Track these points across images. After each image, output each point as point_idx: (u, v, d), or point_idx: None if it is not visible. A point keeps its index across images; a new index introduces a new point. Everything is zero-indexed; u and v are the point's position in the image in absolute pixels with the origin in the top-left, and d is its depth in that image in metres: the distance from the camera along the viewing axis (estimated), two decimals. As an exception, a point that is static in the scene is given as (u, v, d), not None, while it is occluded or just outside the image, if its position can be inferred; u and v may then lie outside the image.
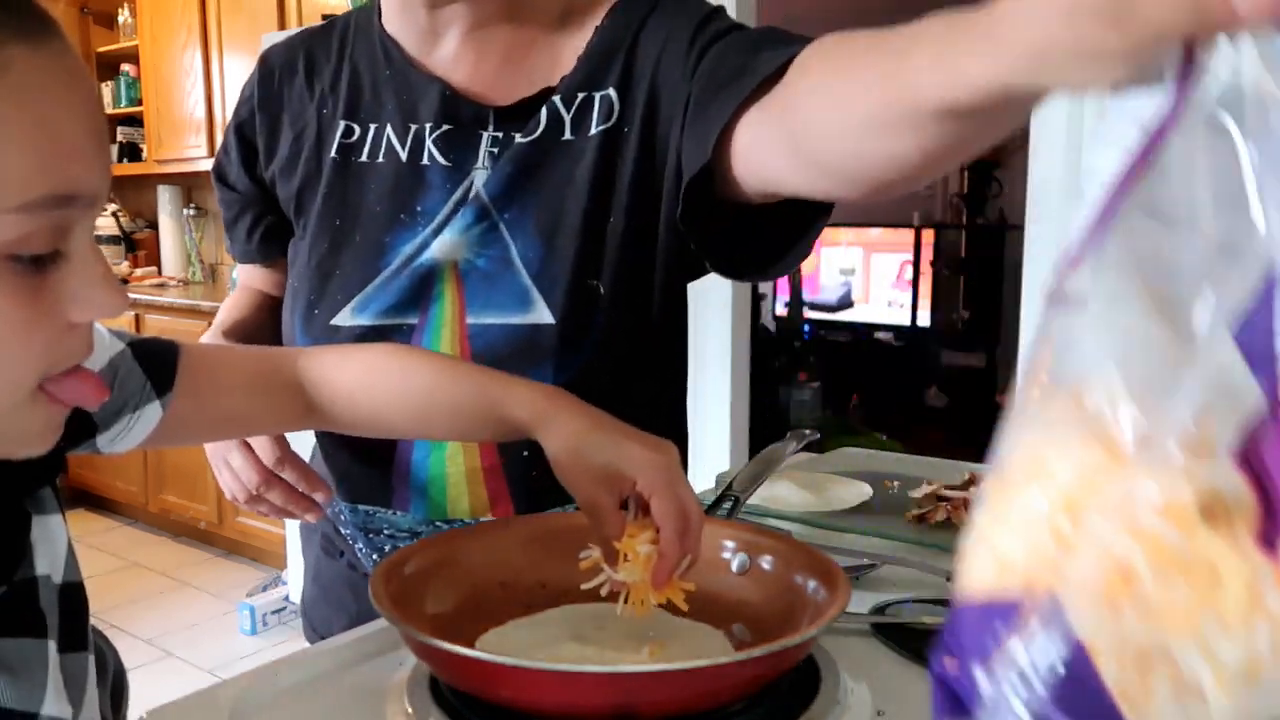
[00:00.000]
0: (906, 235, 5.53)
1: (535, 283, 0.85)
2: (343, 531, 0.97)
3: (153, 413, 0.69)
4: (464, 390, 0.73)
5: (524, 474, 0.85)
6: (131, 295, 3.85)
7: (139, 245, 4.72)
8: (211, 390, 0.73)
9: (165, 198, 4.53)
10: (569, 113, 0.87)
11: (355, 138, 0.92)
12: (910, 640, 0.70)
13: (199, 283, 4.40)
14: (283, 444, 0.86)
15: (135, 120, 4.47)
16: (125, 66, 4.48)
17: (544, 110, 0.87)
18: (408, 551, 0.71)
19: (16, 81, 0.44)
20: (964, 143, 0.56)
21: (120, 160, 4.56)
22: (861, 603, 0.76)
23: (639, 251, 0.87)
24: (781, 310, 5.43)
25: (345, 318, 0.88)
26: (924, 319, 5.72)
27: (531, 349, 0.84)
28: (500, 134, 0.88)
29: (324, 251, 0.91)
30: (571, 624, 0.70)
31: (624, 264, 0.87)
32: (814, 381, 3.96)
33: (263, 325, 1.01)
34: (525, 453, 0.83)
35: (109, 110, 4.57)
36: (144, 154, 4.41)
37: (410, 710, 0.60)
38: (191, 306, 3.65)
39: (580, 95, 0.87)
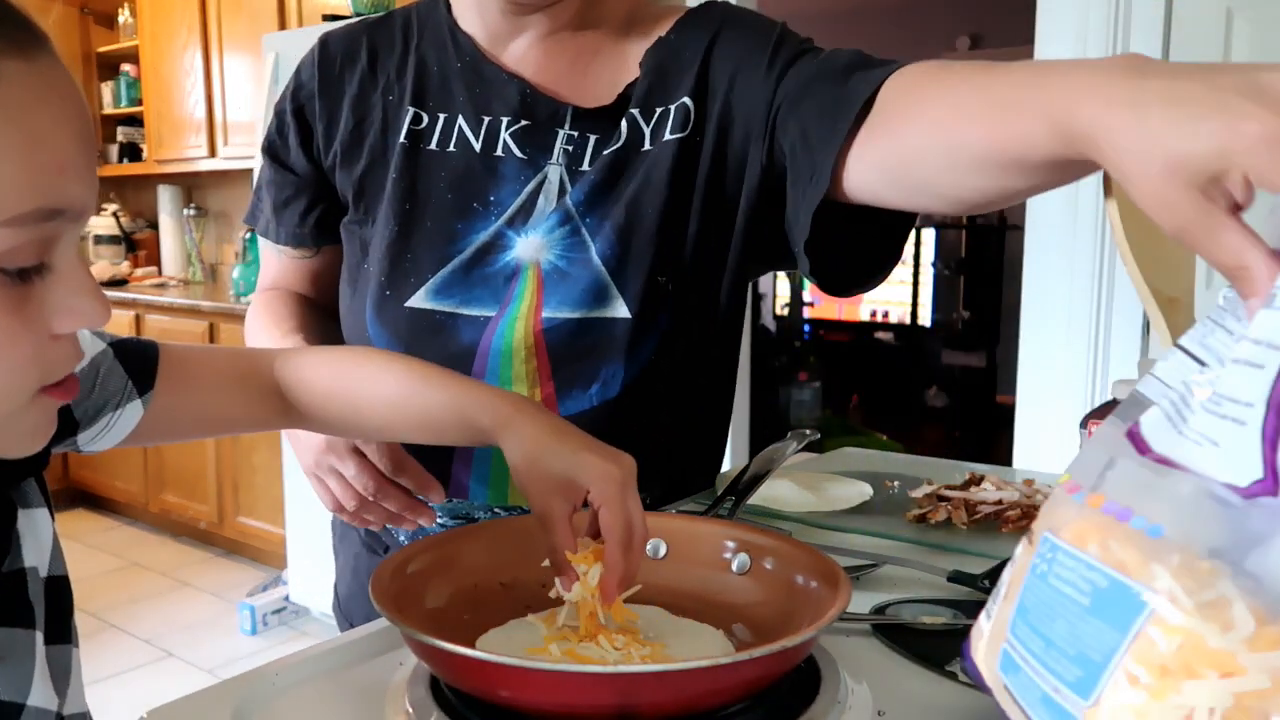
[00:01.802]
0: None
1: (613, 279, 0.90)
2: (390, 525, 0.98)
3: (134, 411, 0.69)
4: (433, 396, 0.74)
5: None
6: (131, 295, 3.86)
7: (139, 245, 4.72)
8: (191, 389, 0.73)
9: (165, 198, 4.53)
10: (648, 125, 0.92)
11: (424, 125, 0.95)
12: (910, 640, 0.70)
13: (199, 283, 4.40)
14: (396, 450, 0.84)
15: (135, 120, 4.48)
16: (125, 66, 4.48)
17: (624, 122, 0.92)
18: (408, 551, 0.71)
19: (7, 95, 0.44)
20: (1069, 176, 0.64)
21: (120, 160, 4.56)
22: (861, 603, 0.76)
23: (708, 253, 0.93)
24: (781, 310, 5.43)
25: (420, 300, 0.91)
26: (924, 319, 5.72)
27: (605, 342, 0.89)
28: (575, 133, 0.92)
29: (394, 235, 0.92)
30: (572, 624, 0.69)
31: (693, 265, 0.92)
32: (814, 381, 3.97)
33: (324, 329, 1.01)
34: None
35: (109, 110, 4.58)
36: (144, 154, 4.41)
37: (410, 710, 0.60)
38: (191, 306, 3.65)
39: (658, 109, 0.92)
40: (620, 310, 0.89)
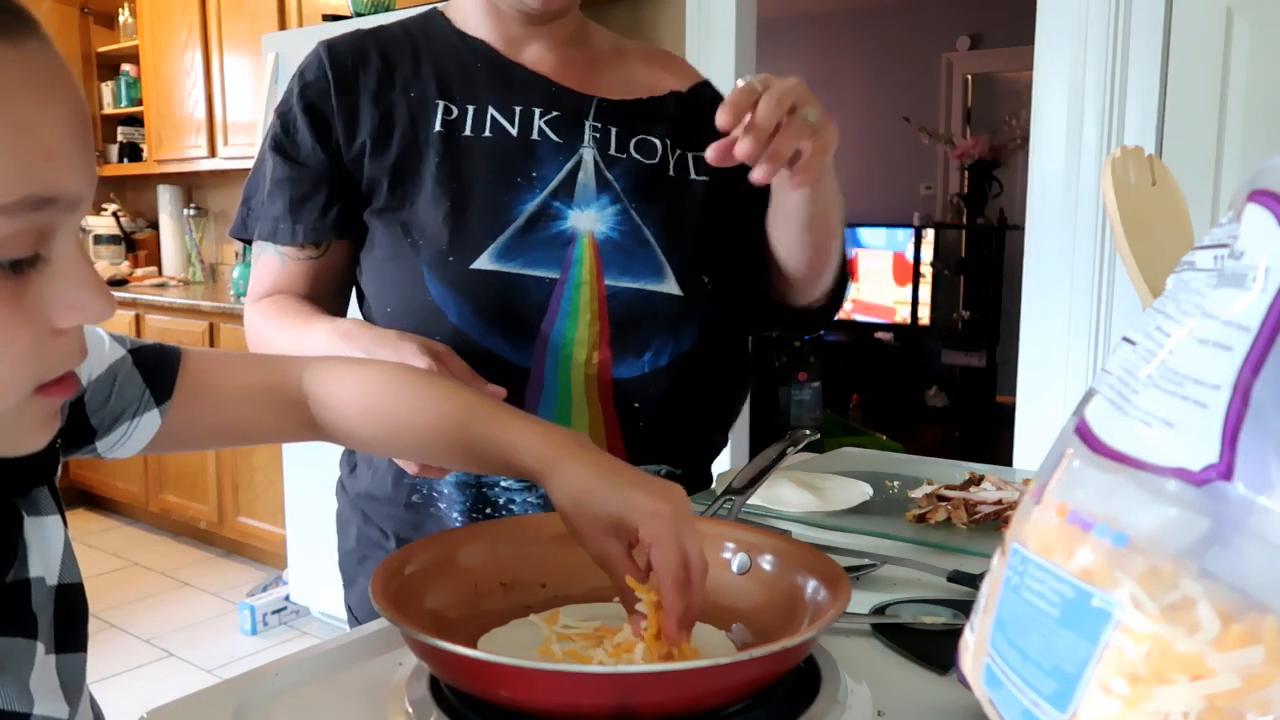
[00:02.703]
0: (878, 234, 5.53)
1: (666, 259, 1.00)
2: (435, 510, 0.98)
3: (151, 421, 0.68)
4: (477, 430, 0.72)
5: (632, 428, 0.98)
6: (131, 295, 3.86)
7: (139, 245, 4.72)
8: (212, 400, 0.72)
9: (165, 198, 4.53)
10: (672, 156, 1.04)
11: (455, 116, 1.01)
12: (910, 640, 0.70)
13: (199, 283, 4.39)
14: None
15: (135, 120, 4.48)
16: (125, 66, 4.48)
17: (659, 144, 1.04)
18: (408, 551, 0.71)
19: None
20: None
21: (120, 160, 4.56)
22: (861, 603, 0.76)
23: (743, 263, 1.05)
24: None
25: (485, 263, 0.96)
26: (924, 319, 5.72)
27: (660, 315, 0.99)
28: (600, 124, 1.03)
29: (447, 210, 0.97)
30: (572, 624, 0.70)
31: (731, 270, 1.05)
32: (814, 381, 3.96)
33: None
34: (641, 422, 0.98)
35: (109, 110, 4.58)
36: (144, 154, 4.41)
37: (410, 710, 0.60)
38: (192, 306, 3.65)
39: (685, 152, 1.05)
40: (672, 288, 0.99)
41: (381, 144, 1.00)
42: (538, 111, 1.02)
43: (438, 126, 1.00)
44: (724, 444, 1.13)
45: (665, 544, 0.63)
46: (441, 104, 1.01)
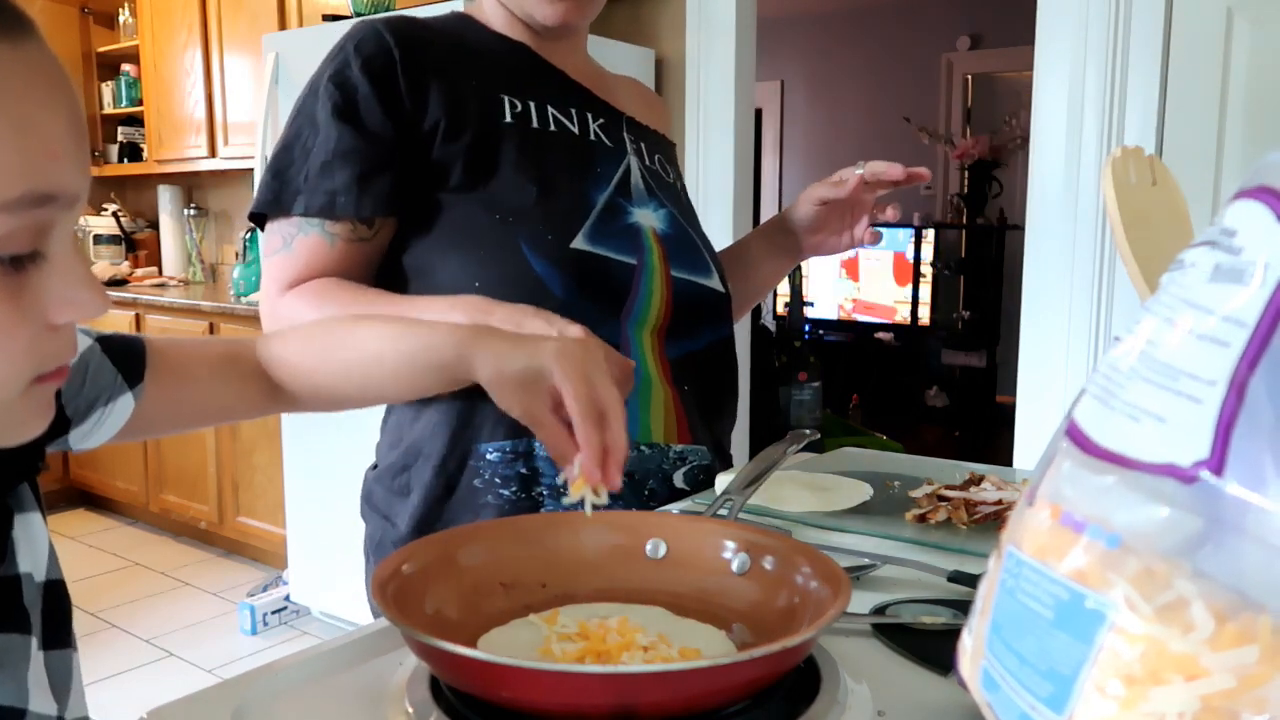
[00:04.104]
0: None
1: (710, 259, 1.11)
2: (537, 489, 0.99)
3: (125, 404, 0.69)
4: (405, 343, 0.74)
5: (690, 409, 1.06)
6: (131, 295, 3.86)
7: (139, 245, 4.72)
8: (180, 380, 0.74)
9: (166, 198, 4.53)
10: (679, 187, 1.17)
11: (520, 109, 1.04)
12: (910, 640, 0.70)
13: (200, 283, 4.39)
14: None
15: (135, 120, 4.48)
16: (125, 66, 4.48)
17: (672, 171, 1.16)
18: (408, 551, 0.71)
19: None
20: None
21: (120, 160, 4.56)
22: (861, 603, 0.76)
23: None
24: (782, 310, 5.43)
25: (581, 243, 1.00)
26: (924, 319, 5.71)
27: (710, 307, 1.09)
28: (631, 136, 1.12)
29: (534, 195, 0.99)
30: (572, 624, 0.69)
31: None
32: (814, 381, 3.96)
33: None
34: (692, 403, 1.06)
35: (109, 110, 4.58)
36: (144, 154, 4.41)
37: (410, 710, 0.60)
38: (192, 306, 3.65)
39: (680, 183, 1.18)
40: (718, 285, 1.10)
41: (456, 126, 0.99)
42: (590, 115, 1.08)
43: (508, 118, 1.02)
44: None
45: (573, 381, 0.65)
46: (506, 97, 1.03)
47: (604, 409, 0.64)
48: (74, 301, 0.48)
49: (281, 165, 0.98)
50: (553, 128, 1.04)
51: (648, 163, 1.11)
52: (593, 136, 1.07)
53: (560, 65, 1.10)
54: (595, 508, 0.68)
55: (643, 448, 1.02)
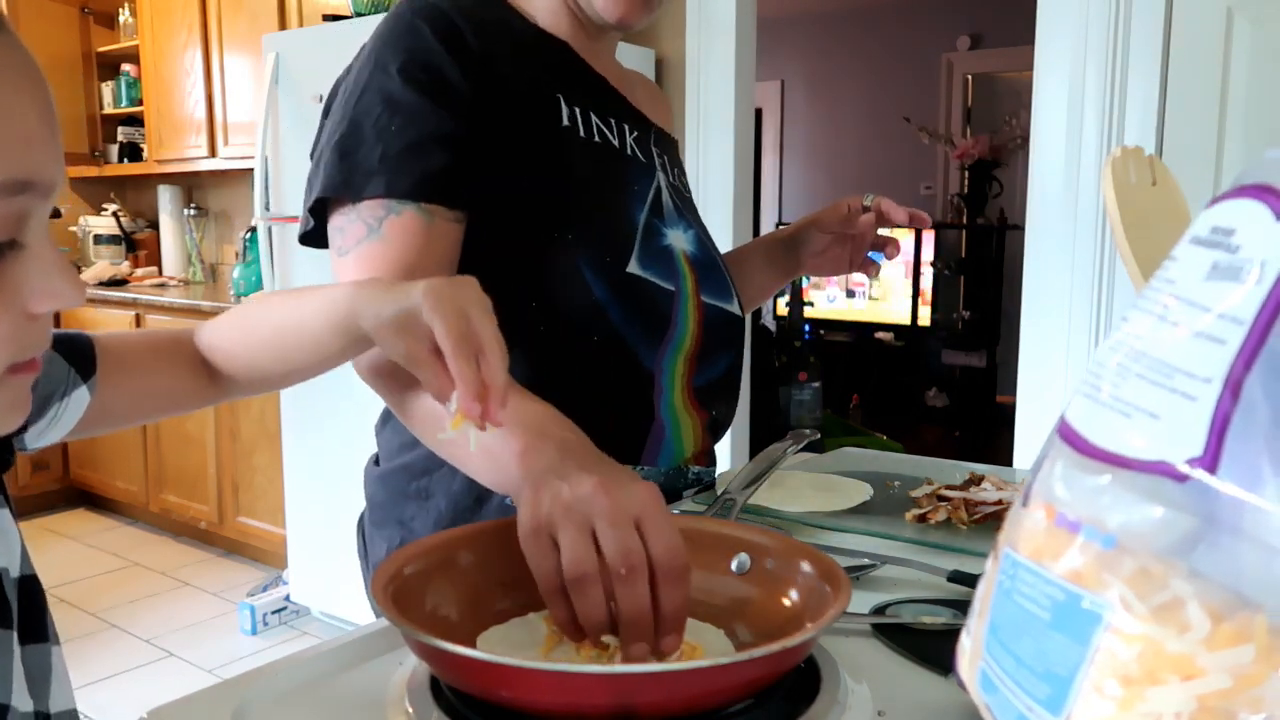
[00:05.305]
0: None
1: (731, 282, 1.08)
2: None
3: (81, 397, 0.70)
4: (304, 307, 0.74)
5: (713, 428, 1.05)
6: (132, 295, 3.86)
7: (139, 245, 4.72)
8: (130, 369, 0.75)
9: (166, 198, 4.53)
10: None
11: (569, 114, 0.98)
12: (910, 640, 0.70)
13: (200, 283, 4.40)
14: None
15: (135, 120, 4.48)
16: (125, 66, 4.48)
17: (683, 181, 1.12)
18: (408, 552, 0.71)
19: None
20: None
21: (120, 160, 4.56)
22: (861, 603, 0.76)
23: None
24: (782, 310, 5.43)
25: (634, 268, 0.96)
26: (924, 319, 5.71)
27: (730, 333, 1.05)
28: (658, 149, 1.07)
29: (590, 206, 0.95)
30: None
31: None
32: (814, 381, 3.96)
33: None
34: (710, 429, 1.04)
35: (109, 110, 4.58)
36: (144, 154, 4.41)
37: (410, 710, 0.60)
38: (192, 306, 3.65)
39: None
40: (736, 309, 1.07)
41: (520, 122, 0.92)
42: (626, 127, 1.03)
43: (565, 120, 0.95)
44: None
45: (441, 315, 0.63)
46: (560, 98, 0.96)
47: (480, 343, 0.63)
48: (51, 291, 0.48)
49: (347, 147, 0.87)
50: (597, 139, 0.98)
51: (671, 179, 1.06)
52: (629, 151, 1.01)
53: (600, 69, 1.04)
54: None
55: (676, 470, 1.02)
